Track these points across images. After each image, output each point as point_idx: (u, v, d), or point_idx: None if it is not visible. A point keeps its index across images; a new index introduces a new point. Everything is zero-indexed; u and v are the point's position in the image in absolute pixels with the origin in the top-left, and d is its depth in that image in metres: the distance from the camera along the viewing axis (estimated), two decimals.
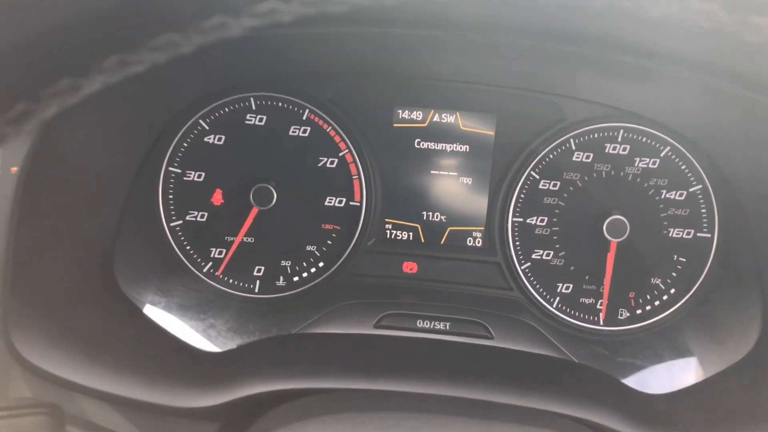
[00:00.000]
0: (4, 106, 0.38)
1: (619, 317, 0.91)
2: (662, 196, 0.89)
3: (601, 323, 0.90)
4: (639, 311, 0.91)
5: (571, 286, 0.91)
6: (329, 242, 0.92)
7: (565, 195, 0.90)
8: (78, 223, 0.78)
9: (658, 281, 0.90)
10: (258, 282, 0.92)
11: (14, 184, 0.66)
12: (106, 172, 0.81)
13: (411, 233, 0.93)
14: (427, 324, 0.84)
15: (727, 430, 0.68)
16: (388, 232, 0.92)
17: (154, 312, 0.81)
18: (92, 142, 0.77)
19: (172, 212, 0.91)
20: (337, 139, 0.90)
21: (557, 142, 0.89)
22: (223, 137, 0.90)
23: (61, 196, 0.73)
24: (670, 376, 0.80)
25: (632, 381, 0.79)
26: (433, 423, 0.52)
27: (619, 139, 0.90)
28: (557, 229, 0.91)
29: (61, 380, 0.65)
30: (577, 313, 0.91)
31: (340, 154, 0.90)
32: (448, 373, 0.69)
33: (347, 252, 0.91)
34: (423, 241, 0.92)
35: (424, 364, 0.73)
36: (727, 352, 0.80)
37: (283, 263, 0.92)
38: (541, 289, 0.91)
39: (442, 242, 0.92)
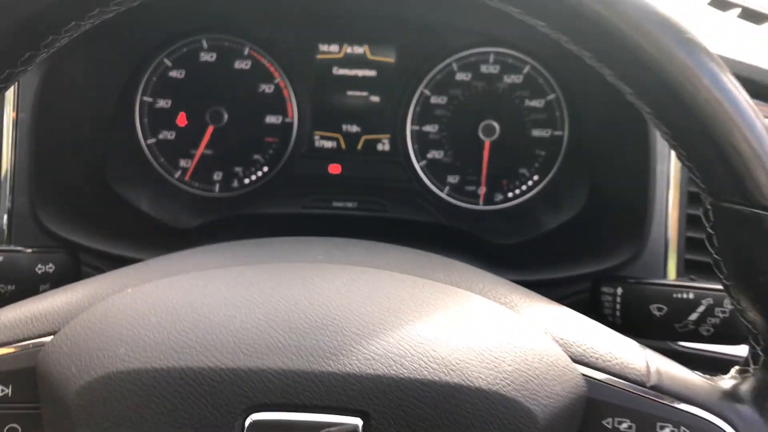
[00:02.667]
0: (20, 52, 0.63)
1: (495, 200, 1.18)
2: (525, 105, 1.15)
3: (481, 204, 1.18)
4: (510, 194, 1.18)
5: (458, 177, 1.18)
6: (271, 151, 1.18)
7: (451, 107, 1.16)
8: (77, 139, 1.04)
9: (524, 170, 1.17)
10: (217, 185, 1.18)
11: (31, 107, 0.92)
12: (94, 100, 1.07)
13: (334, 142, 1.19)
14: (340, 204, 1.12)
15: (556, 269, 0.96)
16: (316, 141, 1.18)
17: (142, 205, 1.09)
18: (82, 77, 1.03)
19: (148, 132, 1.16)
20: (272, 69, 1.15)
21: (442, 65, 1.14)
22: (184, 71, 1.15)
23: (63, 118, 0.99)
24: (520, 232, 1.09)
25: (489, 236, 1.08)
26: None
27: (491, 61, 1.15)
28: (446, 134, 1.17)
29: (74, 243, 0.92)
30: (462, 198, 1.18)
31: (275, 82, 1.16)
32: (352, 235, 0.97)
33: (284, 158, 1.18)
34: (344, 147, 1.18)
35: (335, 231, 1.01)
36: (563, 215, 1.09)
37: (236, 169, 1.18)
38: (434, 181, 1.18)
39: (359, 148, 1.18)
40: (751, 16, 1.00)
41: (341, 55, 1.15)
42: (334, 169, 1.18)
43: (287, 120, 1.16)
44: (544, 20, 0.50)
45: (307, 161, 1.17)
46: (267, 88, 1.15)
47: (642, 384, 0.54)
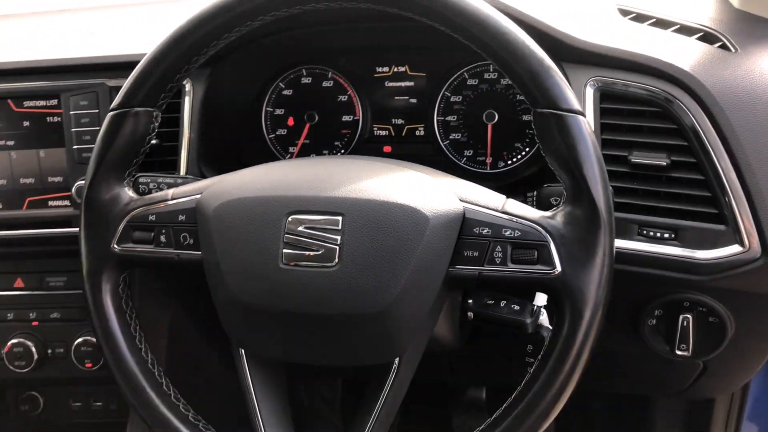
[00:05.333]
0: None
1: (498, 166, 1.65)
2: (516, 98, 1.63)
3: (488, 169, 1.66)
4: (509, 161, 1.64)
5: (472, 151, 1.65)
6: (346, 140, 1.72)
7: (464, 103, 1.65)
8: (225, 134, 1.69)
9: (519, 144, 1.63)
10: None
11: (198, 111, 1.57)
12: (236, 109, 1.72)
13: (387, 131, 1.73)
14: None
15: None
16: (375, 131, 1.71)
17: None
18: (229, 94, 1.68)
19: (270, 130, 1.79)
20: (346, 85, 1.72)
21: (457, 74, 1.65)
22: (291, 90, 1.75)
23: (217, 120, 1.64)
24: (505, 180, 1.57)
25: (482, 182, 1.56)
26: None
27: (491, 70, 1.65)
28: (461, 121, 1.66)
29: None
30: (474, 166, 1.65)
31: (348, 93, 1.71)
32: None
33: (354, 143, 1.73)
34: (393, 135, 1.71)
35: None
36: (534, 168, 1.55)
37: (324, 152, 1.77)
38: (455, 154, 1.67)
39: (403, 134, 1.69)
40: (660, 23, 1.42)
41: (390, 73, 1.71)
42: (387, 149, 1.73)
43: (356, 118, 1.69)
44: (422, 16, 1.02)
45: (370, 145, 1.72)
46: (343, 98, 1.70)
47: (497, 210, 1.03)
